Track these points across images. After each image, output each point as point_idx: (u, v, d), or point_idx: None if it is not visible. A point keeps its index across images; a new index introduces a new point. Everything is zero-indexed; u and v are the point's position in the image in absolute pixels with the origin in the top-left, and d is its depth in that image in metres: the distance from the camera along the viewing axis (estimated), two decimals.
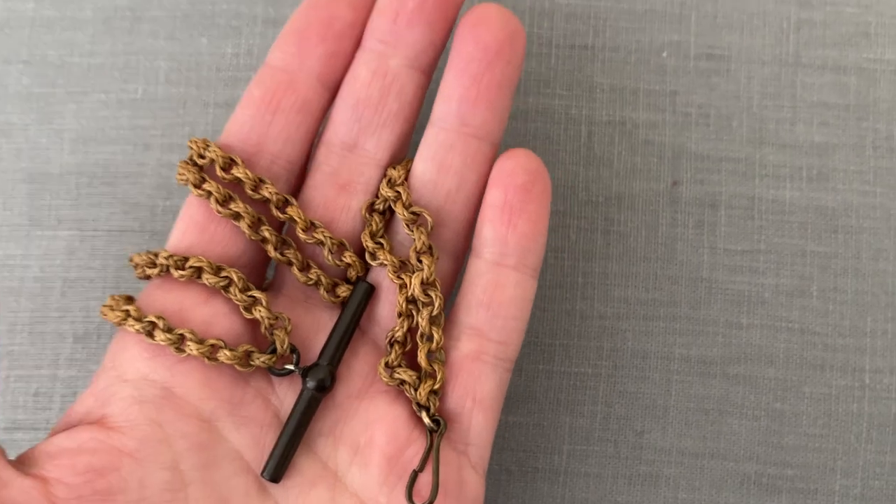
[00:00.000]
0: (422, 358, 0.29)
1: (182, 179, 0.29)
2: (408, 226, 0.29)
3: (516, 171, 0.29)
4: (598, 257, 0.35)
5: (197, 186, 0.29)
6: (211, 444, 0.27)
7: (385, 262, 0.29)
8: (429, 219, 0.29)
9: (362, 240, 0.30)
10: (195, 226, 0.29)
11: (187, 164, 0.29)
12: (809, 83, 0.36)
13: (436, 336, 0.29)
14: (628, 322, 0.35)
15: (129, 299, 0.29)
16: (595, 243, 0.35)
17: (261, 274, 0.31)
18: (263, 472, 0.28)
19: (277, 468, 0.28)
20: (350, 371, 0.29)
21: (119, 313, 0.28)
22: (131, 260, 0.30)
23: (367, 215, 0.30)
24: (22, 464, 0.26)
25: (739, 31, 0.36)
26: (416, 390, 0.29)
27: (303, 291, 0.30)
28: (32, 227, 0.35)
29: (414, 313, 0.29)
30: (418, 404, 0.29)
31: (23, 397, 0.34)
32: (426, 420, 0.29)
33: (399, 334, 0.29)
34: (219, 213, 0.29)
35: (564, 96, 0.36)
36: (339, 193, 0.30)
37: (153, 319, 0.27)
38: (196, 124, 0.35)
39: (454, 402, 0.29)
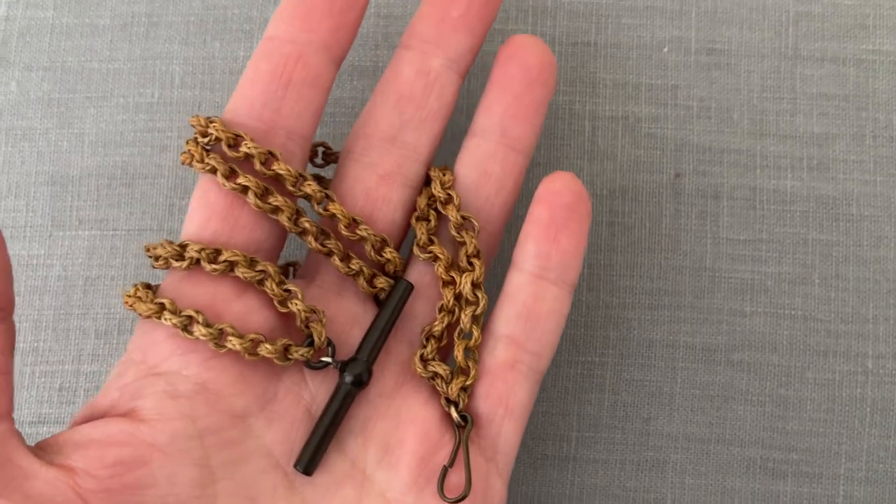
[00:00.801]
0: (459, 353, 0.29)
1: (204, 167, 0.28)
2: (456, 228, 0.30)
3: (562, 191, 0.30)
4: (604, 249, 0.36)
5: (227, 178, 0.28)
6: (241, 440, 0.27)
7: (440, 256, 0.30)
8: (475, 224, 0.30)
9: (416, 229, 0.30)
10: (217, 213, 0.28)
11: (201, 147, 0.28)
12: (809, 75, 0.37)
13: (475, 333, 0.29)
14: (634, 311, 0.36)
15: (149, 287, 0.28)
16: (600, 235, 0.36)
17: (276, 256, 0.30)
18: (297, 464, 0.27)
19: (311, 461, 0.27)
20: (383, 369, 0.29)
21: (151, 306, 0.27)
22: (148, 250, 0.29)
23: (414, 222, 0.30)
24: (43, 451, 0.25)
25: (739, 26, 0.37)
26: (447, 384, 0.29)
27: (336, 283, 0.30)
28: (55, 227, 0.36)
29: (456, 310, 0.30)
30: (447, 399, 0.29)
31: (48, 392, 0.35)
32: (454, 415, 0.29)
33: (438, 329, 0.30)
34: (258, 207, 0.28)
35: (568, 92, 0.37)
36: (380, 184, 0.30)
37: (191, 314, 0.27)
38: None
39: (487, 408, 0.29)
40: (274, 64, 0.29)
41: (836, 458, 0.35)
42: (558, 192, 0.30)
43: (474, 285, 0.30)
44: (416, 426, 0.29)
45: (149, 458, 0.25)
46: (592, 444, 0.35)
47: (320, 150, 0.33)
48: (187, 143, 0.29)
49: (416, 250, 0.30)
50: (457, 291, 0.30)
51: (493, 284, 0.31)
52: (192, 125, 0.29)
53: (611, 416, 0.35)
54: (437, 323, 0.30)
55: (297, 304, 0.28)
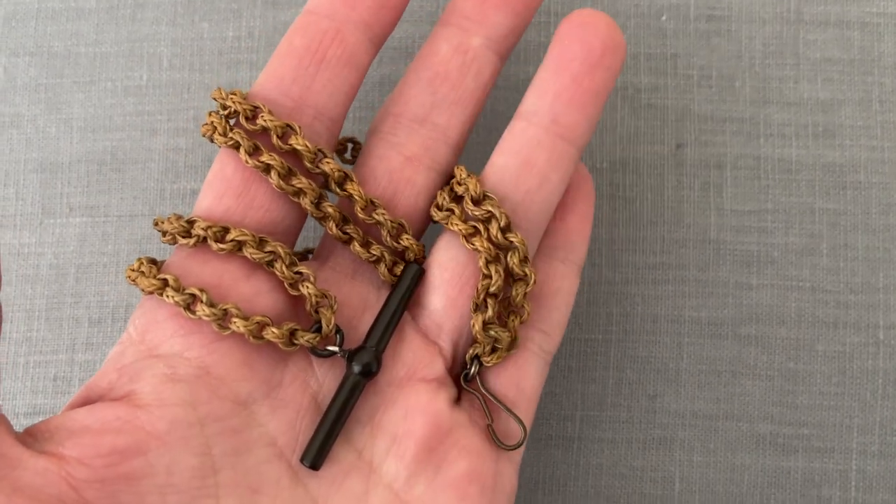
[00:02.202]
0: (514, 327, 0.28)
1: (226, 142, 0.27)
2: (475, 202, 0.28)
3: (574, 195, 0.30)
4: (605, 223, 0.35)
5: (250, 154, 0.27)
6: (244, 428, 0.26)
7: (457, 217, 0.28)
8: (493, 197, 0.28)
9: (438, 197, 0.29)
10: (232, 188, 0.27)
11: (224, 120, 0.27)
12: (812, 40, 0.36)
13: (527, 308, 0.28)
14: (637, 287, 0.35)
15: (154, 262, 0.27)
16: (601, 209, 0.35)
17: (294, 239, 0.29)
18: (303, 458, 0.26)
19: (318, 455, 0.26)
20: (394, 357, 0.28)
21: (154, 282, 0.26)
22: (156, 224, 0.28)
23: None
24: (33, 438, 0.24)
25: None
26: (494, 352, 0.28)
27: (350, 266, 0.29)
28: (45, 215, 0.35)
29: (498, 268, 0.28)
30: (475, 358, 0.28)
31: (42, 382, 0.35)
32: (472, 371, 0.28)
33: (496, 286, 0.27)
34: (280, 188, 0.27)
35: None
36: (405, 165, 0.28)
37: (195, 292, 0.26)
38: (201, 108, 0.36)
39: (500, 389, 0.28)
40: (309, 39, 0.27)
41: (848, 431, 0.34)
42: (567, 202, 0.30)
43: (523, 261, 0.28)
44: (425, 416, 0.27)
45: (146, 446, 0.24)
46: (598, 423, 0.34)
47: (350, 145, 0.32)
48: (209, 114, 0.27)
49: (433, 211, 0.29)
50: (493, 255, 0.28)
51: None
52: (215, 98, 0.28)
53: (616, 395, 0.35)
54: (495, 279, 0.27)
55: (308, 287, 0.27)
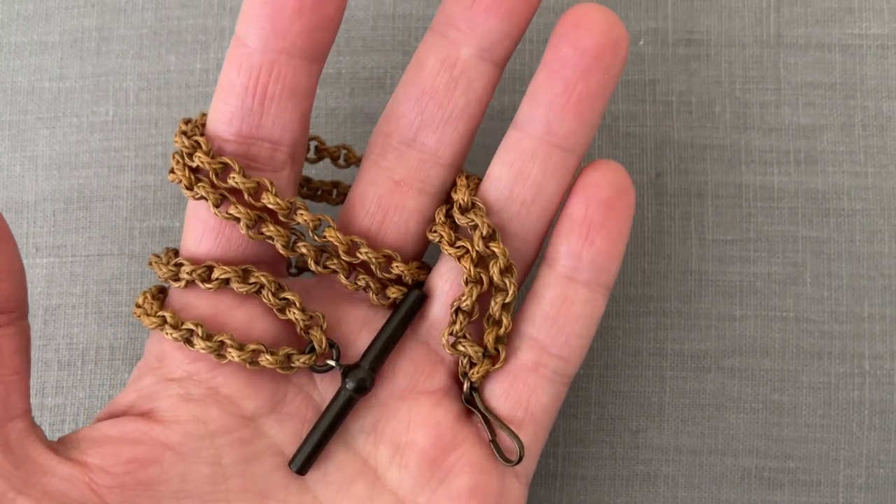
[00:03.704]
0: (489, 341, 0.28)
1: (193, 195, 0.27)
2: (461, 211, 0.28)
3: (602, 184, 0.27)
4: None
5: (217, 206, 0.27)
6: (253, 439, 0.27)
7: (443, 235, 0.28)
8: (480, 205, 0.28)
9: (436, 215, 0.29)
10: (210, 230, 0.27)
11: (190, 173, 0.27)
12: (793, 63, 0.35)
13: (505, 321, 0.28)
14: (618, 320, 0.34)
15: (161, 293, 0.28)
16: None
17: (284, 262, 0.29)
18: (291, 463, 0.28)
19: (306, 462, 0.27)
20: (395, 370, 0.29)
21: (154, 319, 0.27)
22: (150, 264, 0.29)
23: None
24: (63, 446, 0.26)
25: (717, 14, 0.35)
26: (473, 366, 0.28)
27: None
28: None
29: (483, 280, 0.28)
30: (470, 384, 0.28)
31: None
32: (465, 388, 0.28)
33: (467, 303, 0.27)
34: (251, 238, 0.27)
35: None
36: (394, 191, 0.28)
37: (191, 327, 0.27)
38: (168, 144, 0.35)
39: (506, 410, 0.28)
40: (245, 77, 0.26)
41: (835, 464, 0.34)
42: (597, 185, 0.27)
43: (503, 272, 0.28)
44: (427, 428, 0.28)
45: (161, 456, 0.26)
46: (580, 460, 0.34)
47: (313, 144, 0.32)
48: (174, 158, 0.27)
49: (428, 232, 0.29)
50: (475, 276, 0.28)
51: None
52: (176, 142, 0.27)
53: (598, 430, 0.34)
54: (465, 297, 0.27)
55: (294, 313, 0.28)
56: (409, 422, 0.28)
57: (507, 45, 0.27)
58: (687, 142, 0.35)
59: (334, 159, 0.32)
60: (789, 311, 0.34)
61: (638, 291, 0.34)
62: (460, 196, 0.28)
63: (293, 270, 0.32)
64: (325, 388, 0.29)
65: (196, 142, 0.27)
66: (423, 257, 0.30)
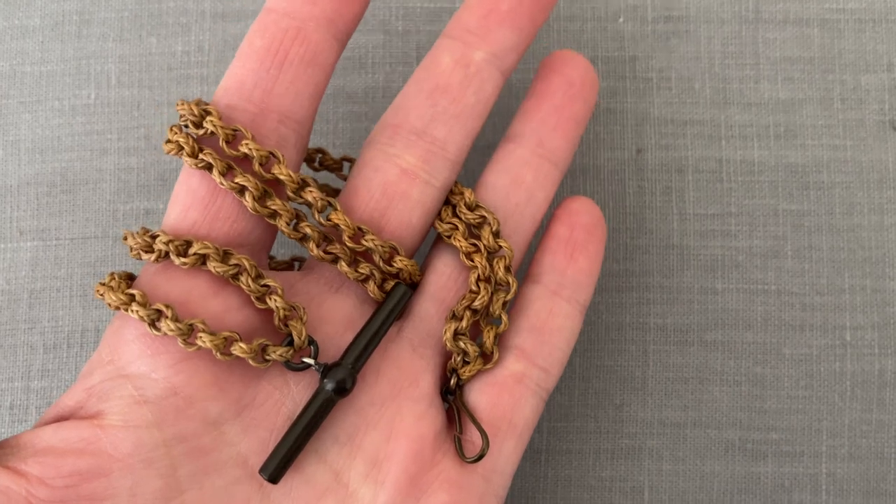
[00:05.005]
0: (489, 340, 0.28)
1: (197, 163, 0.26)
2: (468, 207, 0.29)
3: (582, 212, 0.30)
4: None
5: (224, 175, 0.26)
6: (213, 448, 0.26)
7: (458, 226, 0.28)
8: (489, 213, 0.29)
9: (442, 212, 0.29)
10: (198, 201, 0.26)
11: (193, 140, 0.26)
12: (771, 38, 0.35)
13: (504, 319, 0.28)
14: (601, 295, 0.34)
15: (131, 278, 0.27)
16: None
17: (266, 249, 0.28)
18: (262, 470, 0.25)
19: (278, 468, 0.25)
20: (378, 374, 0.27)
21: (122, 296, 0.25)
22: (125, 239, 0.27)
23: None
24: (2, 450, 0.24)
25: None
26: (466, 364, 0.28)
27: (336, 279, 0.28)
28: None
29: (491, 276, 0.28)
30: (458, 379, 0.28)
31: None
32: (451, 383, 0.28)
33: (480, 303, 0.28)
34: (255, 211, 0.26)
35: (521, 70, 0.35)
36: (401, 178, 0.28)
37: (161, 307, 0.25)
38: (151, 126, 0.35)
39: (490, 423, 0.28)
40: (270, 39, 0.26)
41: (818, 435, 0.34)
42: (577, 212, 0.30)
43: (507, 269, 0.28)
44: (408, 442, 0.27)
45: (108, 468, 0.24)
46: (564, 435, 0.34)
47: (318, 155, 0.32)
48: (171, 130, 0.26)
49: (436, 223, 0.29)
50: (486, 274, 0.28)
51: None
52: (179, 111, 0.26)
53: (582, 405, 0.34)
54: (481, 296, 0.28)
55: (275, 301, 0.26)
56: (389, 433, 0.27)
57: (514, 57, 0.29)
58: (667, 118, 0.35)
59: (310, 162, 0.32)
60: (771, 284, 0.34)
61: (620, 267, 0.34)
62: (467, 195, 0.29)
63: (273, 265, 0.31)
64: (300, 393, 0.27)
65: (205, 109, 0.26)
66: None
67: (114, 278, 0.26)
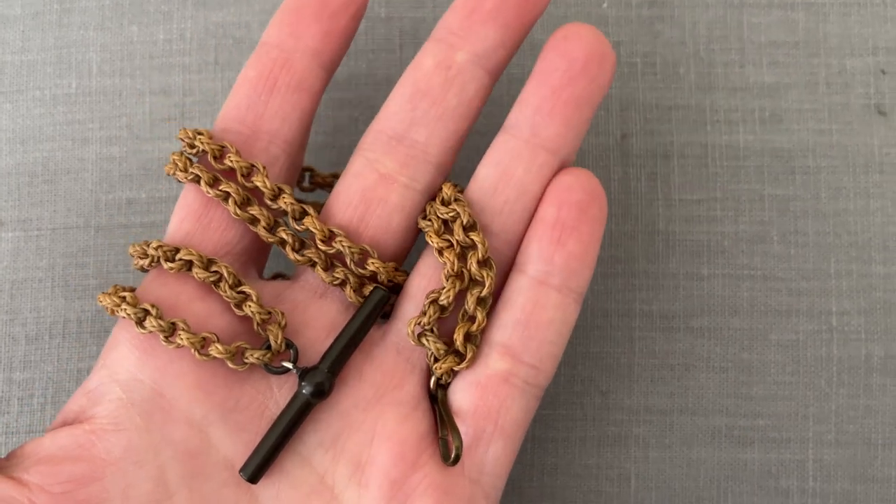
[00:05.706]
0: (459, 337, 0.27)
1: (187, 176, 0.28)
2: (443, 202, 0.28)
3: (574, 187, 0.28)
4: None
5: (211, 185, 0.28)
6: (200, 452, 0.26)
7: (433, 220, 0.28)
8: (462, 197, 0.28)
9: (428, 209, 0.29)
10: (192, 213, 0.28)
11: (186, 158, 0.28)
12: (756, 23, 0.35)
13: (479, 317, 0.27)
14: None
15: (132, 290, 0.28)
16: None
17: (255, 260, 0.29)
18: (242, 470, 0.26)
19: (257, 469, 0.26)
20: (361, 378, 0.28)
21: (115, 299, 0.27)
22: (130, 252, 0.29)
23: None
24: (8, 462, 0.26)
25: None
26: (436, 361, 0.27)
27: (321, 286, 0.29)
28: None
29: (464, 273, 0.27)
30: (437, 380, 0.28)
31: None
32: (432, 385, 0.28)
33: (445, 299, 0.27)
34: (237, 215, 0.28)
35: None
36: (379, 183, 0.28)
37: (147, 307, 0.26)
38: (133, 115, 0.35)
39: (475, 424, 0.27)
40: (260, 69, 0.28)
41: (804, 421, 0.34)
42: (569, 188, 0.28)
43: (480, 263, 0.27)
44: (391, 445, 0.27)
45: (102, 472, 0.26)
46: (550, 422, 0.34)
47: (307, 174, 0.33)
48: (173, 156, 0.28)
49: (419, 222, 0.29)
50: (456, 270, 0.27)
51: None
52: (181, 139, 0.28)
53: (568, 392, 0.34)
54: (446, 290, 0.27)
55: (250, 307, 0.27)
56: (372, 436, 0.27)
57: (502, 55, 0.28)
58: (652, 103, 0.35)
59: (298, 182, 0.33)
60: (757, 269, 0.34)
61: (606, 253, 0.34)
62: (445, 190, 0.28)
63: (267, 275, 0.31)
64: (283, 398, 0.28)
65: (198, 132, 0.28)
66: (405, 264, 0.29)
67: (115, 288, 0.28)
